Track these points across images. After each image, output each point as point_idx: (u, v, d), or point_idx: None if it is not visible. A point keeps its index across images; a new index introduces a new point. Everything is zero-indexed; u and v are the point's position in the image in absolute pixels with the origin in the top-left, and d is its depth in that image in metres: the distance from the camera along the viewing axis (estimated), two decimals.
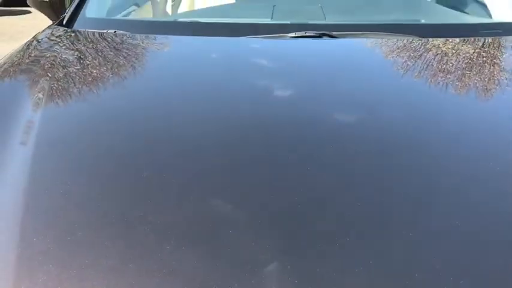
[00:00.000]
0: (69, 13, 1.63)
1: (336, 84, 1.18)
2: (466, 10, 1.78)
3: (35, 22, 8.00)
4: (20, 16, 8.65)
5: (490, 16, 1.64)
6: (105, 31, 1.50)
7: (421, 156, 0.90)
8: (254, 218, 0.73)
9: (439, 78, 1.18)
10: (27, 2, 1.90)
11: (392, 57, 1.35)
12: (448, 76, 1.19)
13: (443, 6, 1.87)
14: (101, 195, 0.80)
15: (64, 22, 1.60)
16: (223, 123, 1.00)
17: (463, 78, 1.18)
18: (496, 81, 1.17)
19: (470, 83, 1.16)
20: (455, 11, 1.81)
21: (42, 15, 6.28)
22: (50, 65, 1.26)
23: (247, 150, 0.92)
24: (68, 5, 1.80)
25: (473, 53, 1.34)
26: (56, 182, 0.82)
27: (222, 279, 0.62)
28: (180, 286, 0.62)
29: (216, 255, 0.67)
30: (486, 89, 1.14)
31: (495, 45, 1.40)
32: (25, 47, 1.46)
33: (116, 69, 1.26)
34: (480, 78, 1.18)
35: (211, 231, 0.71)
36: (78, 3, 1.64)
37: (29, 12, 9.07)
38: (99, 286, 0.62)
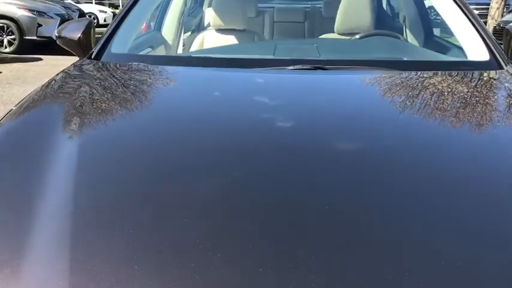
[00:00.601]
0: (96, 49, 1.88)
1: (325, 107, 1.39)
2: (443, 51, 2.04)
3: (46, 68, 8.41)
4: (32, 63, 9.05)
5: (463, 56, 1.88)
6: (129, 63, 1.75)
7: (398, 162, 1.10)
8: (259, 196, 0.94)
9: (416, 104, 1.41)
10: (57, 42, 2.16)
11: (374, 87, 1.60)
12: (424, 101, 1.41)
13: (425, 48, 2.14)
14: (136, 185, 0.99)
15: (92, 56, 1.85)
16: (237, 134, 1.21)
17: (436, 103, 1.40)
18: (463, 105, 1.39)
19: (440, 105, 1.38)
20: (434, 52, 2.07)
21: (52, 61, 6.65)
22: (83, 89, 1.48)
23: (258, 155, 1.11)
24: (93, 45, 2.05)
25: (446, 84, 1.57)
26: (103, 176, 1.03)
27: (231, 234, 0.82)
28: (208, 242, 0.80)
29: (228, 220, 0.87)
30: (455, 112, 1.36)
31: (465, 78, 1.64)
32: (59, 76, 1.69)
33: (138, 93, 1.48)
34: (450, 101, 1.41)
35: (221, 206, 0.91)
36: (104, 41, 1.89)
37: (40, 59, 9.50)
38: (140, 246, 0.81)
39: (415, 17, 2.37)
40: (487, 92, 1.54)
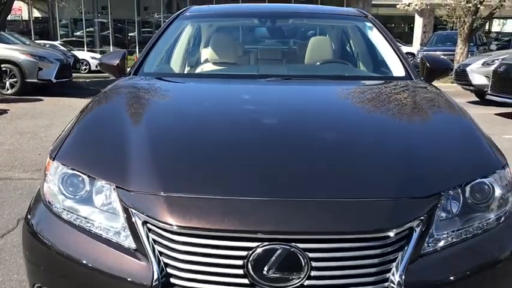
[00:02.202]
0: (133, 70, 2.67)
1: (288, 100, 2.25)
2: (378, 71, 2.90)
3: (49, 106, 9.17)
4: (34, 102, 9.77)
5: (390, 73, 2.73)
6: (158, 77, 2.58)
7: (333, 126, 1.91)
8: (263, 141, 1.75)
9: (350, 97, 2.26)
10: (100, 67, 2.93)
11: (321, 90, 2.48)
12: (358, 96, 2.29)
13: (367, 69, 3.01)
14: (187, 136, 1.80)
15: (130, 75, 2.64)
16: (239, 121, 1.98)
17: (367, 97, 2.26)
18: (386, 98, 2.24)
19: (370, 98, 2.24)
20: (371, 71, 2.95)
21: (53, 101, 7.49)
22: (132, 91, 2.27)
23: (259, 130, 1.88)
24: (127, 70, 2.82)
25: (377, 88, 2.43)
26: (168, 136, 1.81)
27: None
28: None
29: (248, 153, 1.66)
30: (379, 101, 2.19)
31: (389, 84, 2.50)
32: (112, 86, 2.45)
33: (168, 92, 2.31)
34: (377, 96, 2.27)
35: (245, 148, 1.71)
36: (139, 64, 2.70)
37: (41, 100, 10.23)
38: (199, 173, 1.55)
39: (363, 52, 3.22)
40: (401, 91, 2.41)
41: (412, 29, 33.23)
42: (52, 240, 1.53)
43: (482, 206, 1.54)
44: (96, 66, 21.02)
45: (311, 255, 1.30)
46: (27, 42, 13.39)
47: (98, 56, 22.37)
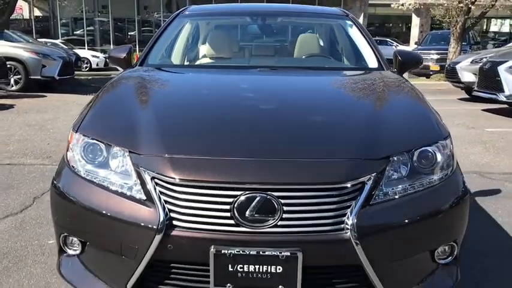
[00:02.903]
0: (138, 62, 3.04)
1: (274, 84, 2.66)
2: (357, 63, 3.27)
3: (52, 102, 9.52)
4: (38, 98, 10.12)
5: (366, 64, 3.09)
6: (162, 68, 2.95)
7: (304, 101, 2.33)
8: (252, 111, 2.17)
9: (323, 85, 2.65)
10: (109, 61, 3.29)
11: (304, 77, 2.87)
12: (329, 84, 2.67)
13: (348, 62, 3.38)
14: (193, 107, 2.23)
15: (136, 66, 3.00)
16: (230, 99, 2.37)
17: (335, 84, 2.63)
18: (360, 83, 2.64)
19: (337, 84, 2.61)
20: (350, 63, 3.32)
21: (56, 97, 7.98)
22: (140, 79, 2.63)
23: (246, 106, 2.27)
24: (133, 62, 3.18)
25: (345, 76, 2.83)
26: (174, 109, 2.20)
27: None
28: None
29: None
30: (344, 88, 2.57)
31: (365, 73, 2.92)
32: (121, 75, 2.80)
33: (171, 78, 2.75)
34: (353, 82, 2.67)
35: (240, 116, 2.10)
36: (143, 57, 3.07)
37: (45, 96, 10.59)
38: (206, 140, 1.92)
39: (345, 47, 3.59)
40: (370, 78, 2.82)
41: (409, 29, 33.64)
42: (76, 197, 1.88)
43: (427, 169, 1.90)
44: (97, 64, 21.44)
45: (283, 201, 1.66)
46: (30, 41, 13.75)
47: (98, 54, 22.75)
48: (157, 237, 1.67)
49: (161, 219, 1.67)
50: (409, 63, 3.10)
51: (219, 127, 2.02)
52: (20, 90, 11.20)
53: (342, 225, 1.68)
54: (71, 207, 1.90)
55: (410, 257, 1.82)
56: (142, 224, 1.70)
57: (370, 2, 25.64)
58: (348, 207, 1.69)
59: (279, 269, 1.65)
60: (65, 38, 26.01)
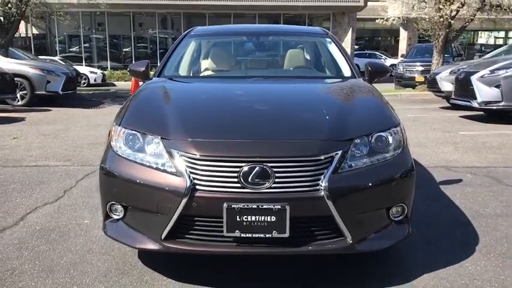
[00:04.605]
0: (156, 74, 3.73)
1: (268, 90, 3.34)
2: (335, 73, 3.96)
3: (59, 115, 10.14)
4: (45, 112, 10.71)
5: (342, 74, 3.79)
6: (176, 78, 3.64)
7: (287, 98, 3.00)
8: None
9: (304, 88, 3.36)
10: (129, 73, 3.97)
11: (291, 84, 3.55)
12: (309, 87, 3.37)
13: (328, 72, 4.08)
14: (209, 103, 2.95)
15: (154, 78, 3.68)
16: (233, 99, 3.10)
17: (314, 87, 3.34)
18: (334, 88, 3.33)
19: (315, 87, 3.33)
20: (330, 73, 4.02)
21: (61, 111, 8.90)
22: (162, 86, 3.31)
23: (245, 103, 2.97)
24: (150, 75, 3.85)
25: (331, 83, 3.51)
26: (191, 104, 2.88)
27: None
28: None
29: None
30: (321, 90, 3.28)
31: (340, 81, 3.60)
32: (143, 86, 3.48)
33: (186, 86, 3.41)
34: (321, 86, 3.36)
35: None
36: (160, 70, 3.76)
37: (50, 110, 11.20)
38: (213, 123, 2.63)
39: (326, 60, 4.30)
40: (342, 84, 3.55)
41: (397, 42, 34.68)
42: (121, 173, 2.53)
43: (382, 149, 2.57)
44: (95, 80, 22.09)
45: (275, 170, 2.32)
46: (32, 58, 14.40)
47: (96, 70, 23.42)
48: (185, 198, 2.32)
49: (187, 185, 2.32)
50: (377, 72, 3.79)
51: (227, 118, 2.73)
52: (26, 105, 11.76)
53: (318, 187, 2.33)
54: (117, 181, 2.55)
55: (369, 211, 2.48)
56: (174, 189, 2.35)
57: (358, 16, 26.58)
58: (322, 174, 2.35)
59: (273, 218, 2.30)
60: (62, 54, 26.68)
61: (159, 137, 2.51)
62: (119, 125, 2.69)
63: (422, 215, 3.53)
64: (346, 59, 3.89)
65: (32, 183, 4.53)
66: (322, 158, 2.37)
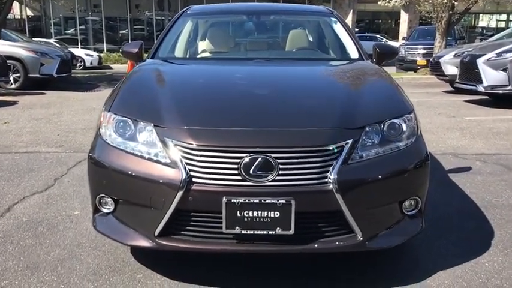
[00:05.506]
0: (150, 55, 3.48)
1: (270, 72, 3.12)
2: (340, 55, 3.72)
3: (53, 98, 9.88)
4: (38, 96, 10.44)
5: (349, 56, 3.56)
6: (171, 60, 3.39)
7: (290, 81, 2.84)
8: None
9: (309, 71, 3.14)
10: (122, 54, 3.72)
11: (292, 67, 3.32)
12: (315, 70, 3.13)
13: (333, 54, 3.84)
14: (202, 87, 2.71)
15: (147, 60, 3.44)
16: (235, 82, 2.88)
17: (320, 70, 3.11)
18: (341, 70, 3.11)
19: (322, 70, 3.09)
20: (335, 55, 3.78)
21: (55, 95, 8.58)
22: (156, 69, 3.07)
23: (246, 87, 2.74)
24: (144, 56, 3.61)
25: (329, 65, 3.30)
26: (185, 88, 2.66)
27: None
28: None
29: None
30: (328, 73, 3.05)
31: (348, 63, 3.38)
32: (137, 67, 3.24)
33: (179, 66, 3.21)
34: (327, 69, 3.13)
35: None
36: (154, 51, 3.51)
37: (44, 93, 10.91)
38: (212, 106, 2.42)
39: (331, 41, 4.05)
40: (351, 66, 3.33)
41: (398, 24, 34.19)
42: (111, 163, 2.31)
43: (395, 138, 2.36)
44: (91, 63, 21.74)
45: (279, 161, 2.10)
46: (26, 40, 14.06)
47: (92, 52, 23.04)
48: (180, 192, 2.11)
49: (183, 177, 2.11)
50: (386, 54, 3.55)
51: (226, 104, 2.49)
52: (19, 88, 11.47)
53: (326, 180, 2.12)
54: (107, 172, 2.33)
55: (381, 206, 2.27)
56: (168, 182, 2.13)
57: None
58: (330, 165, 2.14)
59: (277, 214, 2.10)
60: (58, 37, 26.26)
61: (152, 125, 2.29)
62: (109, 111, 2.47)
63: (432, 206, 3.33)
64: (353, 40, 3.64)
65: (20, 170, 4.32)
66: (331, 148, 2.15)
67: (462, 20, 18.86)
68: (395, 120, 2.39)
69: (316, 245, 2.20)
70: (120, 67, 20.89)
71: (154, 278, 2.41)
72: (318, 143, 2.16)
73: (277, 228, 2.12)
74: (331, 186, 2.11)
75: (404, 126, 2.39)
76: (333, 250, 2.25)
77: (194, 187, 2.12)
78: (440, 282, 2.39)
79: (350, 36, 3.69)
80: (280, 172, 2.11)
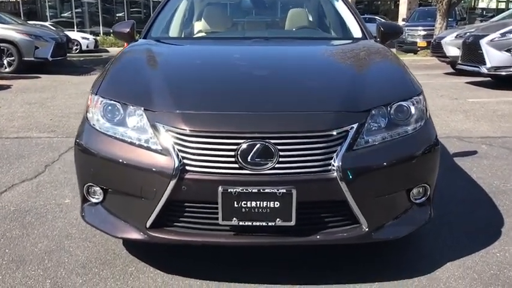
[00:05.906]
0: (142, 35, 3.30)
1: (269, 52, 2.95)
2: (343, 34, 3.55)
3: (48, 82, 9.68)
4: (33, 80, 10.24)
5: (352, 35, 3.38)
6: (163, 40, 3.21)
7: (292, 61, 2.70)
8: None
9: (311, 51, 2.96)
10: (113, 35, 3.54)
11: (296, 47, 3.15)
12: (316, 50, 2.96)
13: (335, 34, 3.66)
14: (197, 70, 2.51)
15: (139, 40, 3.25)
16: (233, 62, 2.70)
17: (322, 50, 2.93)
18: (344, 50, 2.95)
19: (324, 50, 2.92)
20: (337, 35, 3.60)
21: (50, 78, 8.33)
22: (148, 49, 2.89)
23: (244, 68, 2.57)
24: (135, 36, 3.42)
25: (332, 44, 3.12)
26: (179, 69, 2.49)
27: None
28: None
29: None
30: (330, 53, 2.87)
31: (351, 42, 3.21)
32: (128, 47, 3.07)
33: (172, 46, 3.03)
34: (330, 49, 2.94)
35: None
36: (146, 31, 3.32)
37: (39, 77, 10.71)
38: (208, 93, 2.24)
39: (332, 19, 3.87)
40: (354, 45, 3.15)
41: (397, 6, 33.70)
42: (99, 151, 2.15)
43: (402, 122, 2.20)
44: (87, 46, 21.42)
45: (279, 147, 1.94)
46: (20, 23, 13.76)
47: (88, 36, 22.69)
48: (173, 181, 1.95)
49: (176, 165, 1.95)
50: (390, 33, 3.38)
51: (222, 86, 2.32)
52: (13, 71, 11.28)
53: (329, 167, 1.97)
54: (94, 160, 2.17)
55: (388, 194, 2.12)
56: (160, 170, 1.98)
57: None
58: (334, 151, 1.98)
59: (277, 204, 1.95)
60: (54, 20, 25.86)
61: (142, 108, 2.12)
62: (96, 94, 2.30)
63: (439, 192, 3.18)
64: (356, 18, 3.45)
65: (10, 157, 4.16)
66: (335, 133, 1.99)
67: (462, 1, 18.56)
68: (403, 103, 2.23)
69: (318, 237, 2.06)
70: (117, 50, 20.48)
71: (147, 271, 2.28)
72: (321, 127, 2.00)
73: (277, 219, 1.97)
74: (335, 174, 1.96)
75: (412, 109, 2.23)
76: (337, 242, 2.12)
77: (188, 176, 1.97)
78: (450, 274, 2.26)
79: (353, 14, 3.50)
80: (280, 159, 1.95)
